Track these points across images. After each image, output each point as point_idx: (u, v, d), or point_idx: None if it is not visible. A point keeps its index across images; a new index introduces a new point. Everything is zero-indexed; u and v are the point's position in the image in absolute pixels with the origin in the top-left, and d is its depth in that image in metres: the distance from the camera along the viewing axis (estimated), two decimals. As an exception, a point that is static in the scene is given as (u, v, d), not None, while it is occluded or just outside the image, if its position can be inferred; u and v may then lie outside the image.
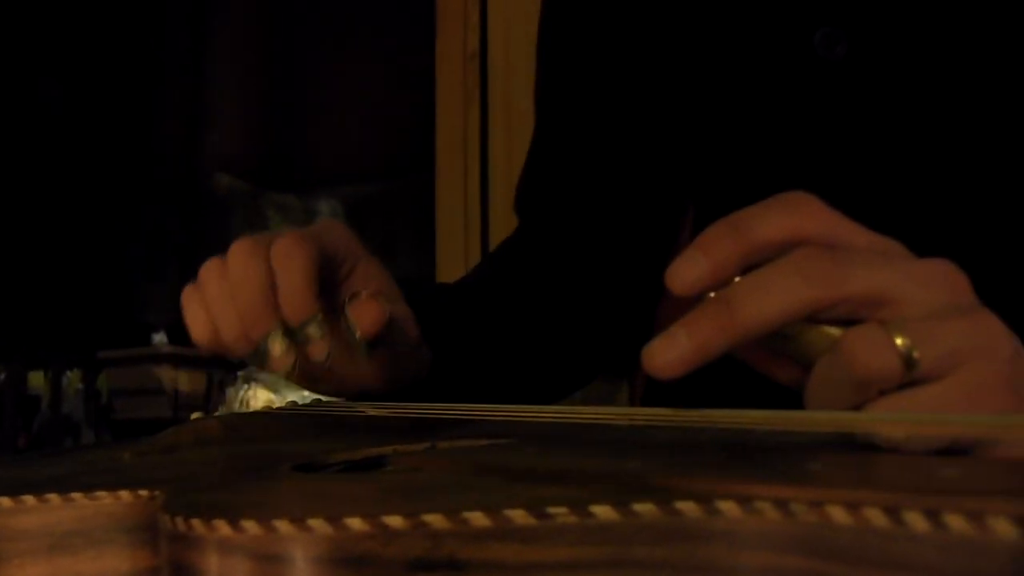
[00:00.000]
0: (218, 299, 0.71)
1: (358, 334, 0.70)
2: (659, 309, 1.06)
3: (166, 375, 3.26)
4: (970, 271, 0.84)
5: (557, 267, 1.01)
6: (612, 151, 1.02)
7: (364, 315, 0.70)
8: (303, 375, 0.74)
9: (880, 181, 0.86)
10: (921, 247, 0.85)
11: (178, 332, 3.34)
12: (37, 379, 3.66)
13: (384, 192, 3.15)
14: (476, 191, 2.35)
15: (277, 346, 0.69)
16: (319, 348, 0.69)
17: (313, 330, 0.69)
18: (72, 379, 3.69)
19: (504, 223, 1.01)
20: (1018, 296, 0.83)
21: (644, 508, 0.34)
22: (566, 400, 1.02)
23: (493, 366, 0.91)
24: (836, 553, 0.30)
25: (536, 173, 1.07)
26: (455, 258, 2.36)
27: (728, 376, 0.95)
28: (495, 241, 2.28)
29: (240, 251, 0.70)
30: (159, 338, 3.48)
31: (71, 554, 0.46)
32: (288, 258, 0.68)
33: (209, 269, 0.72)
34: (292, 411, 0.75)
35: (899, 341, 0.45)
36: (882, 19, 0.85)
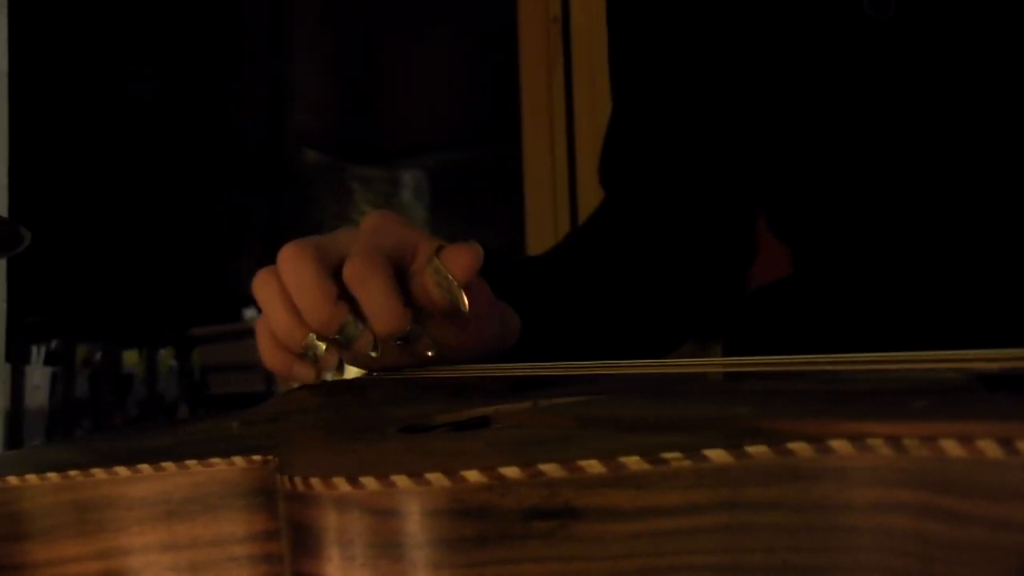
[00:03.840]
0: (280, 315, 0.72)
1: (455, 280, 0.71)
2: (751, 270, 1.07)
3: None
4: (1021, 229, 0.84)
5: (645, 234, 1.02)
6: (689, 114, 1.03)
7: (457, 259, 0.71)
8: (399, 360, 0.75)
9: (931, 141, 0.86)
10: (974, 201, 0.85)
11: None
12: (131, 358, 3.71)
13: (469, 160, 3.15)
14: (563, 155, 2.35)
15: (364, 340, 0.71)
16: (426, 344, 0.72)
17: (412, 335, 0.71)
18: (165, 357, 3.74)
19: (593, 186, 1.02)
20: None
21: (757, 450, 0.34)
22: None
23: (583, 333, 0.91)
24: (949, 486, 0.31)
25: (616, 144, 1.08)
26: (544, 224, 2.36)
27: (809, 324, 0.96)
28: (584, 205, 2.28)
29: (291, 257, 0.71)
30: (250, 313, 3.51)
31: (188, 520, 0.47)
32: (366, 281, 0.69)
33: (261, 282, 0.73)
34: (390, 377, 0.76)
35: None
36: None
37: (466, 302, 0.72)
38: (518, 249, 2.47)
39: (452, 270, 0.71)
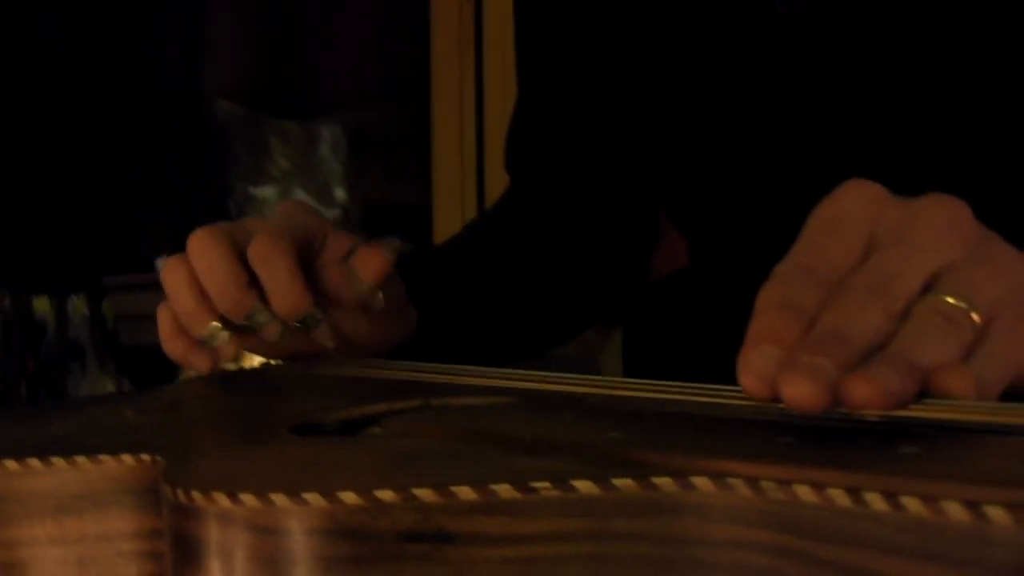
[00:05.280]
0: (184, 298, 0.71)
1: (366, 282, 0.71)
2: (655, 257, 1.08)
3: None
4: None
5: (549, 221, 1.02)
6: (593, 105, 1.03)
7: (368, 263, 0.71)
8: (300, 350, 0.75)
9: (832, 139, 0.87)
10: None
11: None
12: (42, 305, 3.66)
13: (385, 117, 3.14)
14: (472, 129, 2.38)
15: (264, 320, 0.70)
16: (325, 332, 0.71)
17: (311, 320, 0.70)
18: (77, 305, 3.70)
19: (500, 156, 1.03)
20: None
21: (623, 483, 0.35)
22: (560, 346, 1.04)
23: (484, 322, 0.92)
24: (802, 529, 0.32)
25: (521, 131, 1.08)
26: (452, 182, 2.41)
27: (708, 349, 0.97)
28: (491, 173, 2.30)
29: (201, 242, 0.70)
30: (162, 262, 3.48)
31: (77, 516, 0.47)
32: (269, 260, 0.69)
33: (171, 267, 0.72)
34: (288, 369, 0.76)
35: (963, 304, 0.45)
36: None
37: (380, 301, 0.73)
38: (426, 205, 2.49)
39: (363, 273, 0.71)
